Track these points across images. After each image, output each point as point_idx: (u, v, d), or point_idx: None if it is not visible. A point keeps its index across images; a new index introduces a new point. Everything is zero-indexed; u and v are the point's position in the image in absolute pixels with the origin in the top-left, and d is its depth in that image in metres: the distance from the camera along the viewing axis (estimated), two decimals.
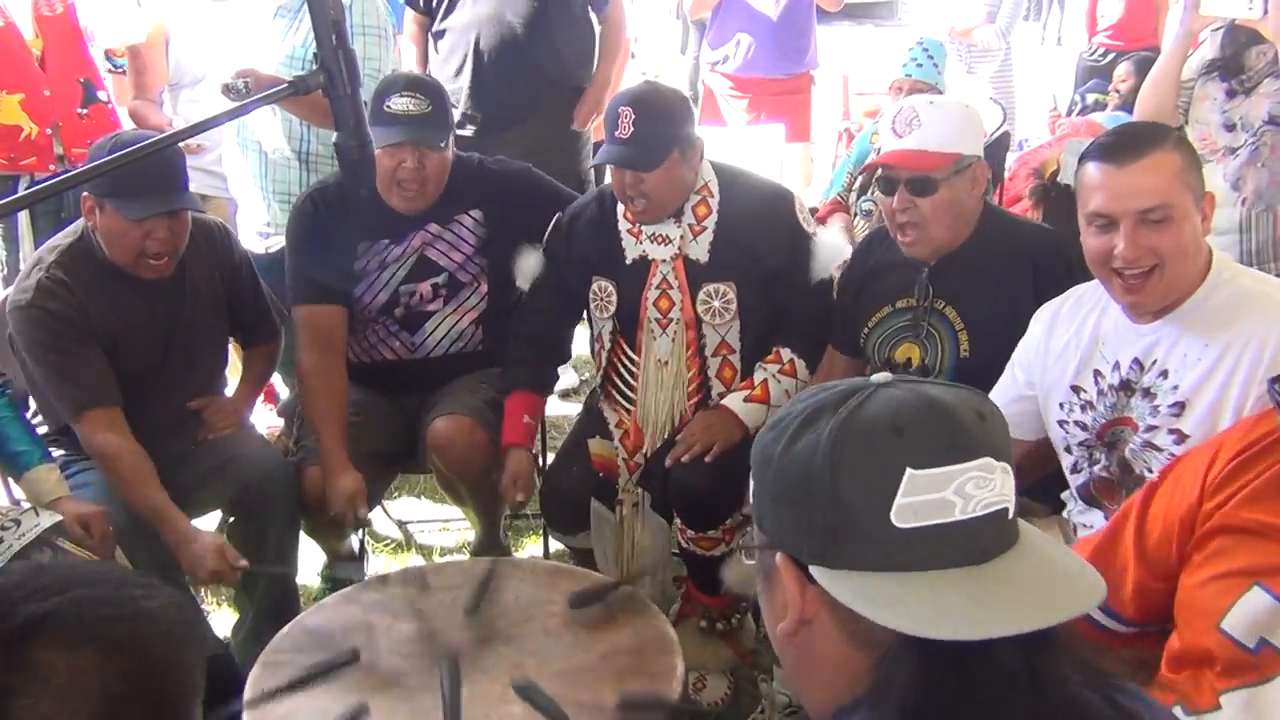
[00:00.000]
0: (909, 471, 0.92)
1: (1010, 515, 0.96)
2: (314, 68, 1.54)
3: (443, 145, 2.76)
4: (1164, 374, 1.97)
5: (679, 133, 2.61)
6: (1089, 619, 1.68)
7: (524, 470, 2.73)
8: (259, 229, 3.39)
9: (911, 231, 2.42)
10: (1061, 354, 2.14)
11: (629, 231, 2.73)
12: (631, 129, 2.55)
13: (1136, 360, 2.01)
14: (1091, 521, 2.13)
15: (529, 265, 2.83)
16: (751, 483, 1.04)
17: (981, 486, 0.93)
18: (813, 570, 0.96)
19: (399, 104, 2.68)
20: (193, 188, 2.80)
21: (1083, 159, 2.00)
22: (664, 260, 2.68)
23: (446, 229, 2.89)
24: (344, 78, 1.46)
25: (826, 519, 0.94)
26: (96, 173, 2.14)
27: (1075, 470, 2.16)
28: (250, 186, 3.38)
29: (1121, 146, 1.94)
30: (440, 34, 3.80)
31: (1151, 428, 1.99)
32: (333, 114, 1.49)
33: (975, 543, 0.94)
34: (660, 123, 2.58)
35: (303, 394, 2.86)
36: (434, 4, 3.78)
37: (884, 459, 0.93)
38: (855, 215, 4.05)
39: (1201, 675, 1.55)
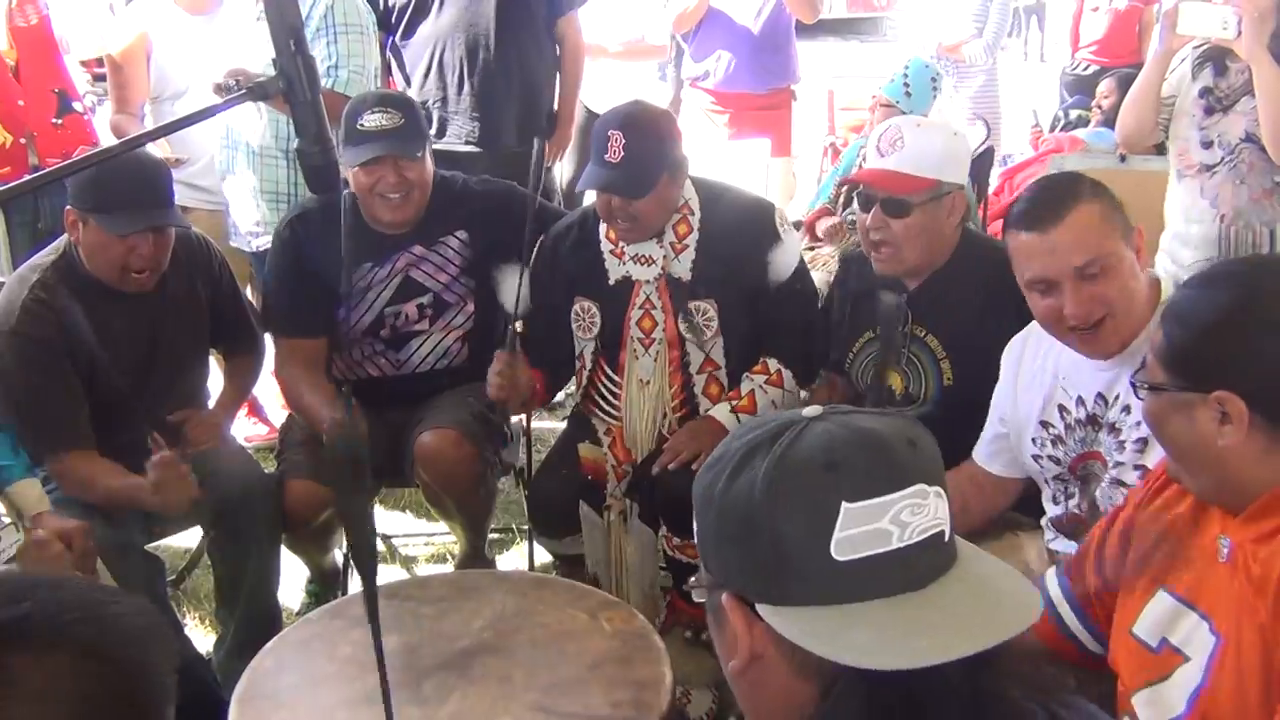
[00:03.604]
0: (844, 505, 0.93)
1: (946, 538, 0.98)
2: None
3: (419, 154, 2.75)
4: (1127, 409, 1.97)
5: (668, 156, 2.59)
6: (1079, 645, 1.68)
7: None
8: (249, 228, 3.41)
9: (884, 250, 2.43)
10: (1029, 388, 2.15)
11: (612, 252, 2.72)
12: (622, 153, 2.51)
13: (1100, 395, 2.02)
14: (1070, 550, 2.12)
15: (515, 287, 2.81)
16: (695, 523, 1.04)
17: (917, 513, 0.95)
18: (759, 608, 0.97)
19: (371, 120, 2.67)
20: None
21: (1008, 227, 2.02)
22: (648, 281, 2.68)
23: (431, 250, 2.88)
24: (304, 83, 1.45)
25: (768, 558, 0.96)
26: (66, 172, 2.11)
27: (1054, 502, 2.17)
28: (239, 186, 3.39)
29: (1042, 212, 1.95)
30: (400, 49, 3.79)
31: (1119, 464, 2.00)
32: (293, 120, 1.49)
33: (913, 569, 0.95)
34: (651, 147, 2.54)
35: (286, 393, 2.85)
36: (393, 18, 3.77)
37: (819, 495, 0.94)
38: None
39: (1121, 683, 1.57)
